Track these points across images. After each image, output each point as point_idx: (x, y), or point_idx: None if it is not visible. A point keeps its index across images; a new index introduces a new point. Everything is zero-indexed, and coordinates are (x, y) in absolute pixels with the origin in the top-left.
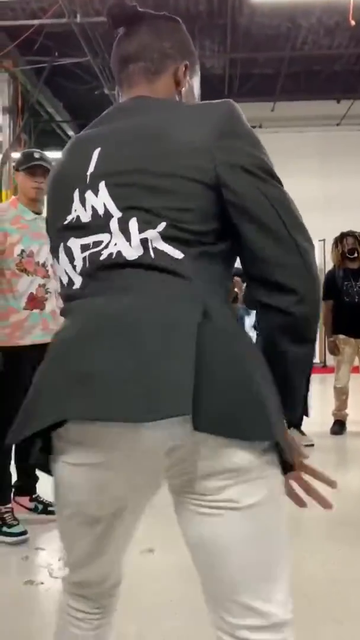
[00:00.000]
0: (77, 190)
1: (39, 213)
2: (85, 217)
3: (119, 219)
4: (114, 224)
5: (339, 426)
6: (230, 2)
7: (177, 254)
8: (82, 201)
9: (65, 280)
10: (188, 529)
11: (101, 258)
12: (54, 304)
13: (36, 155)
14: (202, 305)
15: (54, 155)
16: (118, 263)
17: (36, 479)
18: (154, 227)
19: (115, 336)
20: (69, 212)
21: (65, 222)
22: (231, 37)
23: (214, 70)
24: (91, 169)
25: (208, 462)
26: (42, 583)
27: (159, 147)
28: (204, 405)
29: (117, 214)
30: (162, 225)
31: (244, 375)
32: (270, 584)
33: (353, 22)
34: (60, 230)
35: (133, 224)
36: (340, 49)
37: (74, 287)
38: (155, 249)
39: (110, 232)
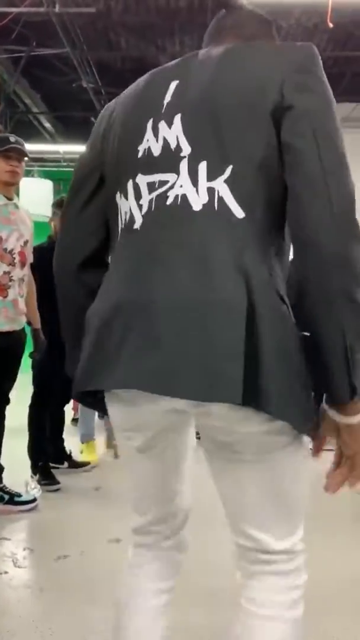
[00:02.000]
0: (152, 119)
1: (10, 199)
2: (156, 150)
3: (189, 158)
4: (183, 165)
5: None
6: None
7: (239, 212)
8: (155, 131)
9: (126, 217)
10: (215, 472)
11: (167, 202)
12: (16, 292)
13: (12, 139)
14: (253, 279)
15: (30, 147)
16: (182, 212)
17: (1, 468)
18: (222, 173)
19: (174, 310)
20: (141, 142)
21: (138, 155)
22: None
23: None
24: (167, 98)
25: (236, 427)
26: (6, 572)
27: (235, 77)
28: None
29: (187, 149)
30: (229, 170)
31: (284, 361)
32: (277, 519)
33: (331, 25)
34: (131, 164)
35: (202, 169)
36: (319, 50)
37: (134, 227)
38: (220, 201)
39: (177, 173)
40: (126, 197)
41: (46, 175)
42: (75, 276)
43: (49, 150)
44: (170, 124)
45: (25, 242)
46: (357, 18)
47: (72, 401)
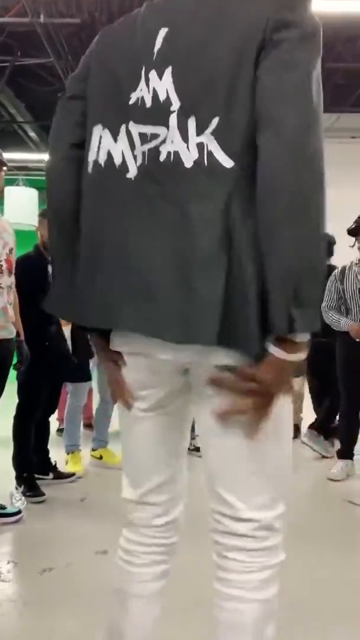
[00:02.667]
0: (144, 67)
1: None
2: (148, 100)
3: (178, 113)
4: (172, 120)
5: (294, 430)
6: None
7: (227, 162)
8: (147, 81)
9: (118, 161)
10: (199, 421)
11: (160, 158)
12: (4, 300)
13: None
14: (235, 239)
15: (15, 156)
16: (175, 169)
17: None
18: (208, 125)
19: (163, 267)
20: (134, 89)
21: (131, 101)
22: None
23: None
24: (157, 45)
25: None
26: None
27: (222, 23)
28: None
29: (176, 104)
30: (215, 122)
31: (249, 300)
32: (251, 486)
33: None
34: (124, 108)
35: (191, 124)
36: None
37: (127, 175)
38: (209, 155)
39: (167, 127)
40: (115, 140)
41: (31, 184)
42: (66, 154)
43: (34, 159)
44: (160, 75)
45: (11, 250)
46: (337, 30)
47: (57, 411)
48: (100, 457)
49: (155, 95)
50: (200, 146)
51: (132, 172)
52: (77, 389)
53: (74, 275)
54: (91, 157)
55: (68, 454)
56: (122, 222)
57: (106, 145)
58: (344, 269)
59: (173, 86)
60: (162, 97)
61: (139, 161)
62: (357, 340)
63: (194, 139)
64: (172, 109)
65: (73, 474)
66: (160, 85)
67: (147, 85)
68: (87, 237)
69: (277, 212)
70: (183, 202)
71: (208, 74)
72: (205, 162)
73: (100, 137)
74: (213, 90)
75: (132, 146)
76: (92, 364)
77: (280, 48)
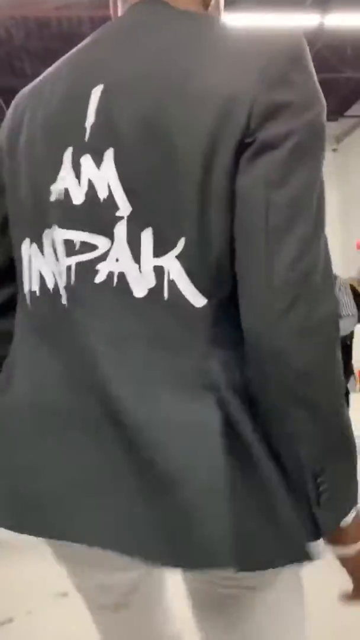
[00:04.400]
0: (70, 149)
1: None
2: (78, 194)
3: (128, 221)
4: (120, 230)
5: None
6: None
7: (198, 300)
8: (76, 168)
9: (50, 284)
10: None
11: (96, 280)
12: None
13: None
14: (223, 407)
15: None
16: (120, 299)
17: None
18: (174, 246)
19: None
20: (54, 180)
21: (50, 197)
22: None
23: None
24: (90, 117)
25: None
26: None
27: (185, 98)
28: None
29: (125, 208)
30: (182, 243)
31: (266, 507)
32: None
33: None
34: (42, 208)
35: (147, 238)
36: None
37: (62, 301)
38: (171, 285)
39: (111, 239)
40: (42, 252)
41: None
42: None
43: None
44: (98, 161)
45: None
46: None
47: None
48: None
49: (91, 191)
50: (158, 270)
51: (64, 297)
52: None
53: None
54: (26, 287)
55: None
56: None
57: (36, 266)
58: None
59: (118, 179)
60: (102, 194)
61: (63, 280)
62: None
63: (149, 259)
64: (118, 214)
65: None
66: (99, 176)
67: (77, 174)
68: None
69: (283, 393)
70: (132, 355)
71: (171, 174)
72: (166, 294)
73: (30, 256)
74: (179, 194)
75: (57, 258)
76: None
77: (273, 155)
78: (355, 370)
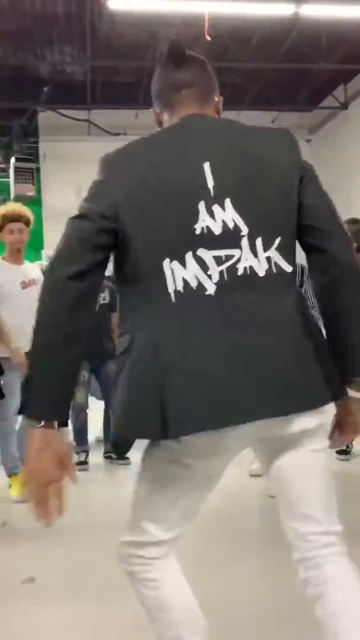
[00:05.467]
0: (203, 202)
1: None
2: (217, 229)
3: (248, 236)
4: (244, 242)
5: None
6: (89, 7)
7: (288, 268)
8: (211, 214)
9: (193, 284)
10: (275, 464)
11: (239, 273)
12: None
13: None
14: (302, 311)
15: None
16: (252, 280)
17: None
18: (273, 244)
19: (256, 353)
20: (196, 221)
21: (196, 232)
22: (91, 43)
23: (75, 76)
24: (211, 182)
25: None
26: None
27: (259, 165)
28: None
29: (244, 229)
30: (278, 241)
31: (318, 361)
32: (326, 505)
33: (208, 37)
34: (189, 238)
35: (259, 243)
36: None
37: (206, 293)
38: (276, 265)
39: (240, 248)
40: (184, 266)
41: None
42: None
43: None
44: (222, 207)
45: None
46: (232, 31)
47: None
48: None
49: (225, 225)
50: (268, 259)
51: (210, 289)
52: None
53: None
54: (171, 288)
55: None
56: (212, 330)
57: (180, 274)
58: None
59: (238, 215)
60: (230, 225)
61: (215, 279)
62: None
63: (262, 254)
64: (242, 233)
65: None
66: (226, 215)
67: (212, 216)
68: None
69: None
70: (261, 304)
71: (265, 205)
72: (274, 270)
73: (172, 269)
74: (272, 217)
75: (205, 268)
76: None
77: (314, 180)
78: None
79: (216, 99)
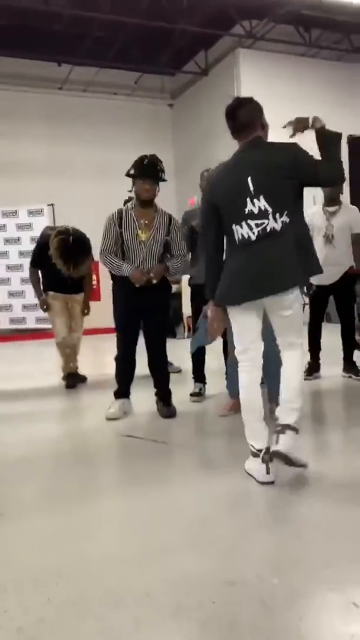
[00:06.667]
0: (248, 197)
1: None
2: (255, 210)
3: (272, 213)
4: (270, 216)
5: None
6: None
7: (291, 222)
8: (252, 203)
9: (245, 236)
10: (276, 315)
11: (267, 230)
12: None
13: None
14: (296, 240)
15: None
16: (274, 233)
17: None
18: (284, 214)
19: (277, 264)
20: (246, 206)
21: (246, 212)
22: None
23: None
24: (251, 186)
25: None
26: None
27: (276, 171)
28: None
29: (270, 210)
30: (286, 212)
31: (299, 261)
32: (298, 331)
33: None
34: (242, 214)
35: (277, 216)
36: (58, 9)
37: (252, 240)
38: (284, 222)
39: (268, 219)
40: (241, 227)
41: None
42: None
43: None
44: (259, 199)
45: None
46: None
47: None
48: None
49: (259, 209)
50: (283, 222)
51: (253, 238)
52: None
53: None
54: (237, 237)
55: None
56: (253, 254)
57: (239, 231)
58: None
59: (267, 203)
60: (262, 208)
61: (255, 234)
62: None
63: (279, 220)
64: (269, 212)
65: None
66: (260, 203)
67: (253, 204)
68: (240, 261)
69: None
70: (280, 241)
71: (280, 194)
72: (284, 226)
73: (237, 229)
74: (283, 200)
75: (250, 229)
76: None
77: (306, 162)
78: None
79: (262, 123)
